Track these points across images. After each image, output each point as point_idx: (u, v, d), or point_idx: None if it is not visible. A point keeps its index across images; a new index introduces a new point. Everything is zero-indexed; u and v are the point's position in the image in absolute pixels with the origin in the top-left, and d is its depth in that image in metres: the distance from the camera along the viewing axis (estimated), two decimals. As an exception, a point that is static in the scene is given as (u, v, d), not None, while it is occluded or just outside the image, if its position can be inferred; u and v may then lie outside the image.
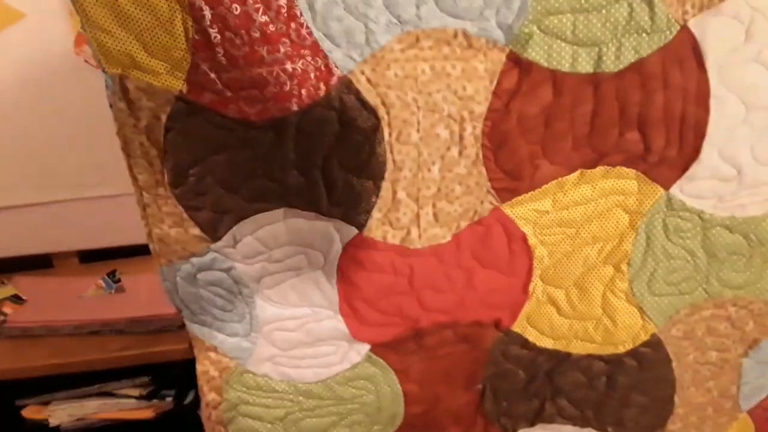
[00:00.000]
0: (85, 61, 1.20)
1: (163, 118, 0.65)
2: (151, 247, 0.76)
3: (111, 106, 0.65)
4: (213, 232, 0.74)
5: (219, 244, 0.75)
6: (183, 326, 1.18)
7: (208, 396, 0.87)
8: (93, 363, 1.19)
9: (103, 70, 0.63)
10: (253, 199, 0.72)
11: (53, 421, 1.27)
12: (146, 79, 0.63)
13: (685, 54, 0.68)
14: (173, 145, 0.67)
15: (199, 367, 0.86)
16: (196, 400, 1.27)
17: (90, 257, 1.47)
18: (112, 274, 1.36)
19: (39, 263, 1.46)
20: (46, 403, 1.29)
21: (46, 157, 1.31)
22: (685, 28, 0.66)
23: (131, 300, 1.29)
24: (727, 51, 0.68)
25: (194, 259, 0.76)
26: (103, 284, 1.34)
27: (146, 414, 1.26)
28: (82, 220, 1.39)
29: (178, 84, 0.63)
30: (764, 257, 0.80)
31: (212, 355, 0.84)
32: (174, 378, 1.30)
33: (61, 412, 1.28)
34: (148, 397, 1.27)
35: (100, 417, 1.27)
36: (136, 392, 1.27)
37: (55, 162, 1.32)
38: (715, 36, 0.67)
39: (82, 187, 1.36)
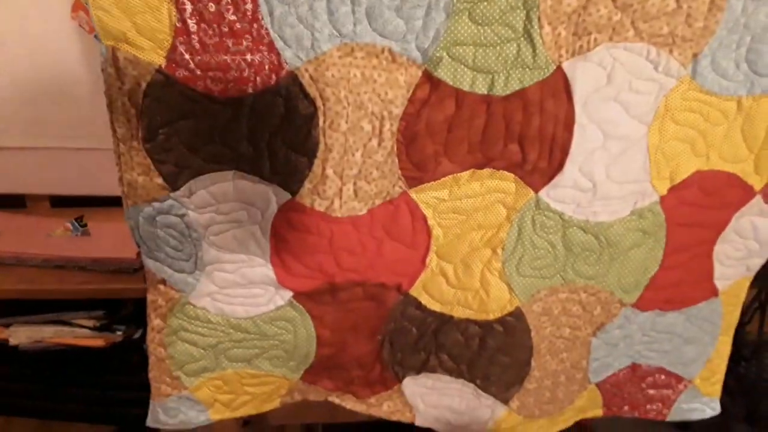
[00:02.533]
0: (79, 25, 1.27)
1: (143, 85, 0.74)
2: (120, 190, 0.84)
3: (102, 70, 0.74)
4: (173, 182, 0.82)
5: (177, 193, 0.83)
6: (137, 270, 1.28)
7: (154, 321, 0.95)
8: (54, 293, 1.26)
9: (100, 41, 0.72)
10: (210, 160, 0.81)
11: (13, 341, 1.34)
12: (133, 52, 0.72)
13: (558, 88, 0.79)
14: (149, 107, 0.76)
15: (149, 297, 0.94)
16: (142, 337, 1.37)
17: (60, 202, 1.53)
18: (79, 219, 1.41)
19: (14, 203, 1.52)
20: (8, 325, 1.36)
21: (35, 108, 1.35)
22: (559, 68, 0.78)
23: (94, 243, 1.35)
24: (591, 90, 0.80)
25: (155, 204, 0.84)
26: (71, 227, 1.40)
27: (97, 342, 1.34)
28: (58, 167, 1.45)
29: (158, 59, 0.73)
30: (611, 256, 0.93)
31: (161, 287, 0.93)
32: (125, 315, 1.39)
33: (20, 333, 1.34)
34: (100, 329, 1.36)
35: (56, 341, 1.34)
36: (90, 323, 1.35)
37: (41, 113, 1.36)
38: (583, 77, 0.79)
39: (61, 138, 1.40)
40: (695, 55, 0.80)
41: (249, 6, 0.71)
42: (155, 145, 0.79)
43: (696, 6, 0.77)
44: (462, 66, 0.78)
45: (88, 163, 1.42)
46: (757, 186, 0.93)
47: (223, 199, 0.84)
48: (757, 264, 1.03)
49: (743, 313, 1.66)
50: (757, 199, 0.95)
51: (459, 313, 0.97)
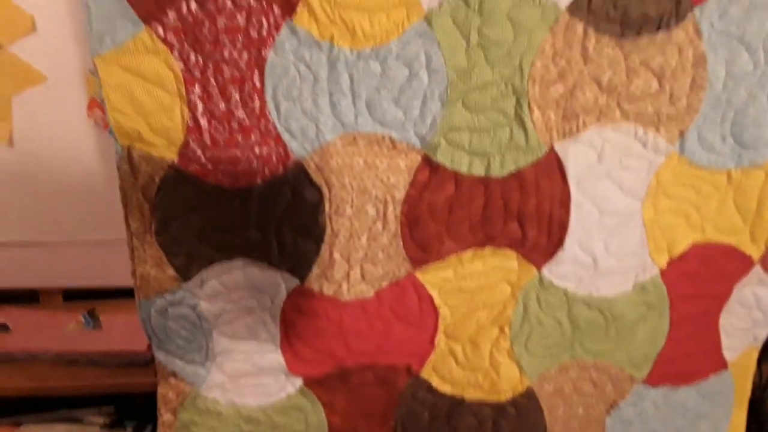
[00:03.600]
0: (95, 122, 1.31)
1: (157, 180, 0.76)
2: (133, 283, 0.84)
3: (117, 167, 0.75)
4: (185, 273, 0.82)
5: (189, 284, 0.82)
6: (149, 362, 1.24)
7: (165, 416, 0.93)
8: (65, 389, 1.22)
9: (115, 139, 0.74)
10: (220, 249, 0.81)
11: (22, 442, 1.30)
12: (147, 149, 0.74)
13: (552, 168, 0.80)
14: (162, 201, 0.77)
15: (160, 391, 0.92)
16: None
17: (73, 296, 1.51)
18: (91, 312, 1.40)
19: (26, 297, 1.51)
20: (18, 424, 1.31)
21: (47, 202, 1.36)
22: (551, 150, 0.79)
23: (106, 336, 1.31)
24: (584, 168, 0.81)
25: (167, 296, 0.83)
26: (83, 320, 1.39)
27: (107, 440, 1.29)
28: (69, 260, 1.42)
29: (171, 155, 0.75)
30: (617, 330, 0.91)
31: (172, 380, 0.90)
32: (136, 410, 1.34)
33: (30, 433, 1.30)
34: (111, 426, 1.31)
35: (66, 440, 1.30)
36: (101, 420, 1.29)
37: (53, 207, 1.35)
38: (574, 157, 0.80)
39: (72, 231, 1.39)
40: (681, 132, 0.81)
41: (257, 103, 0.73)
42: (168, 238, 0.80)
43: (678, 86, 0.79)
44: (459, 150, 0.79)
45: (99, 255, 1.40)
46: (755, 255, 0.93)
47: (233, 287, 0.84)
48: (763, 334, 1.00)
49: (762, 389, 1.59)
50: (757, 269, 0.93)
51: (470, 394, 0.93)
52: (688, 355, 0.97)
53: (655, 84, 0.78)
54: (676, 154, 0.83)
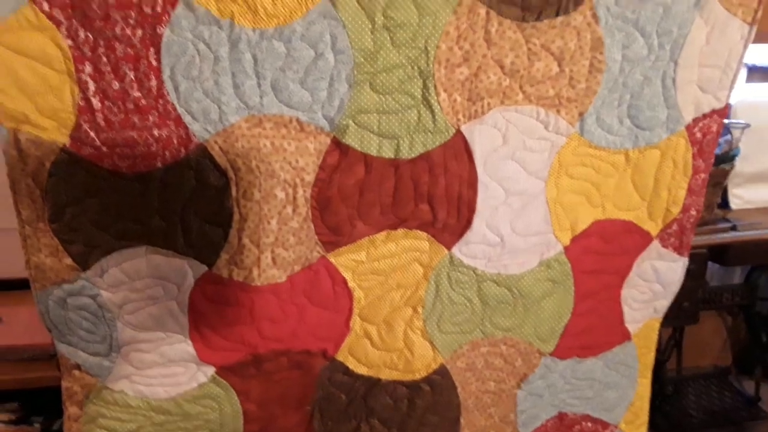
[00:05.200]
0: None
1: (48, 165, 0.72)
2: (28, 273, 0.79)
3: (3, 152, 0.71)
4: (83, 262, 0.78)
5: (88, 273, 0.79)
6: (54, 356, 1.19)
7: (70, 410, 0.89)
8: (-37, 389, 1.17)
9: (0, 123, 0.70)
10: (120, 237, 0.78)
11: None
12: (36, 133, 0.70)
13: (459, 150, 0.82)
14: (54, 187, 0.73)
15: (64, 384, 0.88)
16: (62, 427, 1.27)
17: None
18: (-10, 307, 1.33)
19: None
20: None
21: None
22: (458, 132, 0.81)
23: (7, 329, 1.25)
24: (489, 150, 0.83)
25: (65, 286, 0.80)
26: (-18, 316, 1.32)
27: (12, 439, 1.24)
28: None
29: (62, 138, 0.71)
30: (525, 306, 0.94)
31: (76, 372, 0.87)
32: (43, 405, 1.29)
33: (-76, 436, 1.23)
34: (16, 422, 1.25)
35: (-35, 442, 1.24)
36: (5, 417, 1.24)
37: None
38: (480, 139, 0.82)
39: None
40: (581, 114, 0.85)
41: (153, 83, 0.71)
42: (62, 225, 0.76)
43: (577, 69, 0.82)
44: (368, 132, 0.79)
45: (-2, 245, 1.33)
46: (654, 231, 0.98)
47: (136, 275, 0.81)
48: (663, 305, 1.06)
49: (662, 352, 1.70)
50: (655, 244, 0.99)
51: (386, 374, 0.95)
52: (593, 328, 1.02)
53: (555, 67, 0.81)
54: (577, 135, 0.86)
